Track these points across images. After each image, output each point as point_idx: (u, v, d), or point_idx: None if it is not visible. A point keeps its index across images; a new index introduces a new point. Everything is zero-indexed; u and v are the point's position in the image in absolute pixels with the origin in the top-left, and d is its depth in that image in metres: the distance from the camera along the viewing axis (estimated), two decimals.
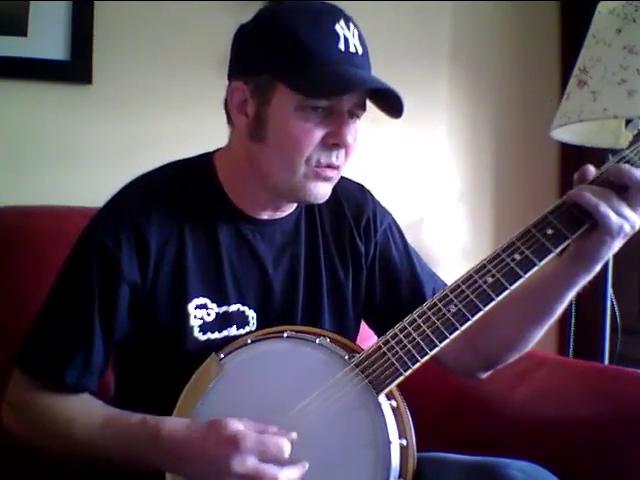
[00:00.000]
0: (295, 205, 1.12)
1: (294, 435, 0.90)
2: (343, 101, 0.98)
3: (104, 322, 1.00)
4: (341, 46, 0.97)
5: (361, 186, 1.22)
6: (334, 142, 0.99)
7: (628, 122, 1.65)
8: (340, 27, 0.97)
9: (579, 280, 1.02)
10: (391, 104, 1.00)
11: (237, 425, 0.89)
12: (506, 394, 1.33)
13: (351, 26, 0.99)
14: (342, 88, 0.96)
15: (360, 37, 1.00)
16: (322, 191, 1.03)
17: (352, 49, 0.98)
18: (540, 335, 1.10)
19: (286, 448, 0.88)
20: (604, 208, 0.93)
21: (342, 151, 1.01)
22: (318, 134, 0.98)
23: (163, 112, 1.76)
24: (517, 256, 0.96)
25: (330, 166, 1.01)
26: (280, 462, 0.88)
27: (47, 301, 1.03)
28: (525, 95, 2.23)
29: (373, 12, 1.93)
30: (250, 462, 0.86)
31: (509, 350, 1.13)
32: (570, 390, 1.27)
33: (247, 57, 1.02)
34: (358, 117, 1.03)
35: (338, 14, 0.99)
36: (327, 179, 1.02)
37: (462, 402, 1.40)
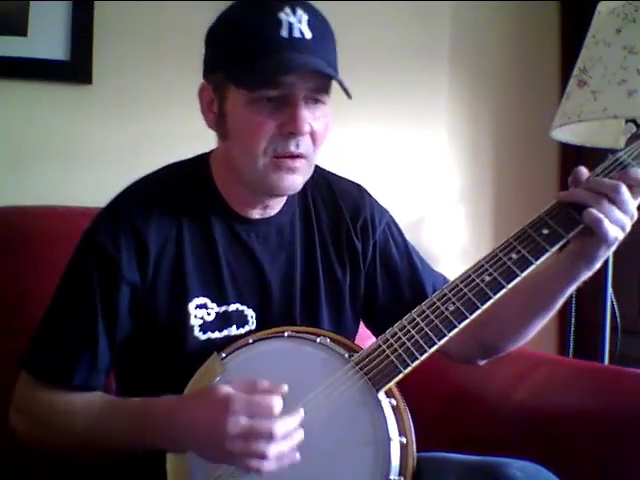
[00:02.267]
0: (282, 202, 1.11)
1: (285, 388, 0.89)
2: (295, 88, 0.97)
3: (107, 322, 1.02)
4: (284, 32, 0.96)
5: (358, 185, 1.22)
6: (289, 130, 0.98)
7: (628, 122, 1.65)
8: (284, 14, 0.96)
9: (580, 276, 1.03)
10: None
11: (226, 388, 0.89)
12: (506, 394, 1.33)
13: (298, 11, 0.97)
14: (278, 73, 0.95)
15: (311, 22, 0.98)
16: (287, 182, 1.01)
17: (296, 34, 0.96)
18: (541, 326, 1.12)
19: (277, 403, 0.87)
20: (597, 215, 0.95)
21: (303, 139, 0.99)
22: (271, 124, 0.98)
23: (163, 112, 1.76)
24: (514, 255, 0.98)
25: (291, 155, 1.00)
26: (273, 416, 0.87)
27: (51, 303, 1.05)
28: (525, 95, 2.23)
29: (373, 12, 1.93)
30: (243, 421, 0.86)
31: (510, 340, 1.15)
32: (570, 390, 1.27)
33: (207, 56, 1.04)
34: (323, 102, 1.01)
35: (284, 1, 0.97)
36: (291, 170, 1.01)
37: (462, 401, 1.40)
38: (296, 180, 1.03)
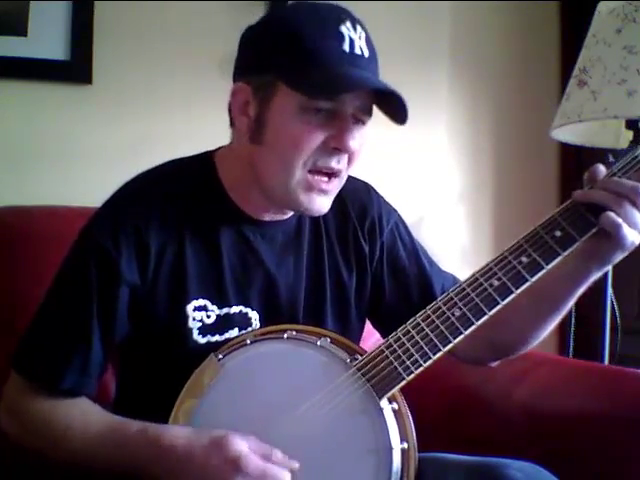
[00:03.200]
0: None
1: (296, 465, 0.90)
2: (346, 104, 0.96)
3: (103, 324, 0.99)
4: (345, 47, 0.95)
5: (366, 184, 1.20)
6: (335, 146, 0.97)
7: (628, 122, 1.65)
8: (346, 28, 0.96)
9: (591, 278, 1.02)
10: (395, 109, 0.98)
11: (241, 446, 0.88)
12: (506, 394, 1.32)
13: (358, 28, 0.97)
14: (342, 87, 0.94)
15: (367, 40, 0.98)
16: (316, 205, 1.00)
17: (357, 51, 0.96)
18: (550, 328, 1.10)
19: (286, 478, 0.88)
20: (625, 229, 0.92)
21: (344, 156, 0.99)
22: (319, 136, 0.96)
23: (163, 112, 1.76)
24: (524, 259, 0.95)
25: (328, 171, 0.98)
26: None
27: (44, 302, 1.02)
28: (525, 95, 2.23)
29: (373, 12, 1.92)
30: None
31: (522, 342, 1.14)
32: (570, 390, 1.26)
33: (251, 58, 1.01)
34: (364, 123, 1.00)
35: (345, 15, 0.97)
36: (322, 191, 0.99)
37: (462, 402, 1.40)
38: (325, 203, 1.01)
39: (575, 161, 2.15)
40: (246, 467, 0.86)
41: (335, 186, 1.01)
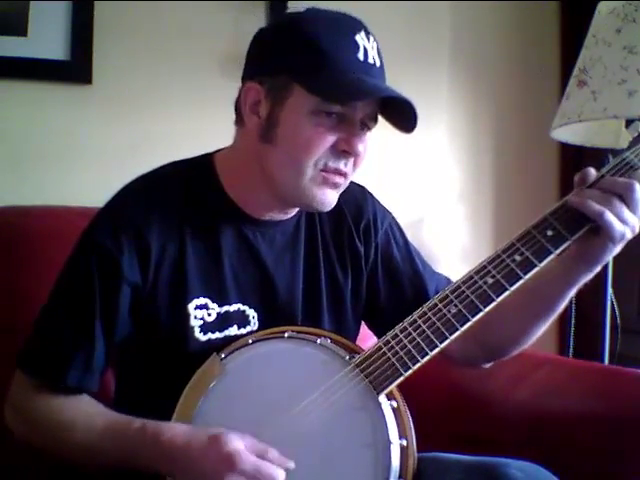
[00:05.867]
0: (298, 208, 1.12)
1: (292, 465, 0.91)
2: (357, 110, 0.99)
3: (105, 323, 1.01)
4: (360, 56, 0.98)
5: (361, 187, 1.22)
6: (344, 149, 0.99)
7: (628, 122, 1.65)
8: (360, 38, 0.99)
9: (580, 279, 1.04)
10: (404, 117, 1.00)
11: (237, 444, 0.89)
12: (506, 394, 1.33)
13: (371, 39, 1.01)
14: (359, 94, 0.97)
15: (379, 51, 1.02)
16: (328, 198, 1.03)
17: (371, 60, 0.99)
18: (544, 329, 1.12)
19: (280, 477, 0.89)
20: (608, 216, 0.95)
21: (351, 159, 1.02)
22: (330, 138, 0.99)
23: (163, 112, 1.76)
24: (517, 257, 0.97)
25: (338, 172, 1.01)
26: None
27: (48, 302, 1.04)
28: (525, 95, 2.23)
29: (373, 12, 1.92)
30: None
31: (513, 343, 1.15)
32: (570, 390, 1.27)
33: (265, 58, 1.03)
34: (369, 129, 1.03)
35: (359, 25, 1.00)
36: (334, 185, 1.02)
37: (462, 402, 1.40)
38: (335, 197, 1.04)
39: (575, 161, 2.15)
40: (241, 464, 0.87)
41: (344, 184, 1.04)
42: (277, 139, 1.01)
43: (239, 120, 1.06)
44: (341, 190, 1.05)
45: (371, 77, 0.99)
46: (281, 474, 0.89)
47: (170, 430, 0.93)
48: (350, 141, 0.99)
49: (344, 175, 1.02)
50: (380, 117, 1.03)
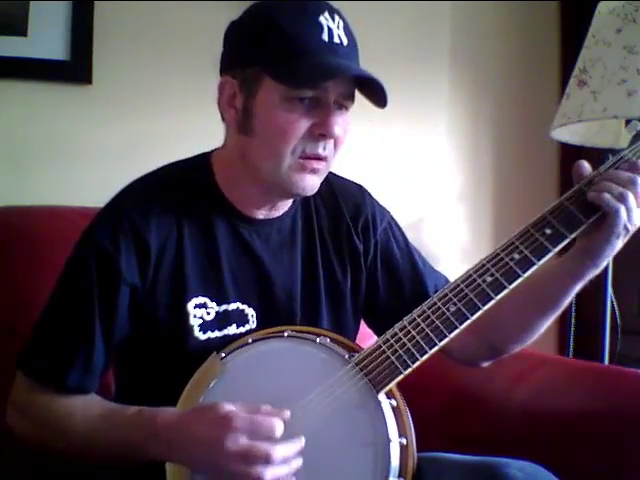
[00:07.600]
0: (289, 204, 1.12)
1: (287, 414, 0.90)
2: (328, 91, 0.99)
3: (104, 323, 1.01)
4: (324, 36, 0.98)
5: (359, 186, 1.22)
6: (320, 132, 1.00)
7: (628, 122, 1.65)
8: (324, 18, 0.99)
9: (586, 275, 1.03)
10: (376, 94, 1.00)
11: (228, 406, 0.89)
12: (506, 394, 1.33)
13: (336, 17, 1.00)
14: (323, 76, 0.97)
15: (346, 28, 1.01)
16: (309, 183, 1.03)
17: (336, 40, 0.99)
18: (546, 326, 1.12)
19: (278, 426, 0.88)
20: (623, 212, 0.96)
21: (330, 142, 1.02)
22: (304, 124, 0.99)
23: (163, 112, 1.76)
24: (516, 256, 0.98)
25: (317, 157, 1.01)
26: (273, 439, 0.87)
27: (48, 303, 1.04)
28: (525, 95, 2.23)
29: (373, 12, 1.93)
30: (242, 440, 0.86)
31: (514, 341, 1.15)
32: (570, 390, 1.27)
33: (235, 51, 1.04)
34: (347, 108, 1.03)
35: (323, 6, 1.00)
36: (313, 171, 1.02)
37: (462, 402, 1.40)
38: (316, 181, 1.04)
39: (575, 161, 2.15)
40: (237, 422, 0.87)
41: (324, 168, 1.04)
42: (254, 130, 1.02)
43: (222, 116, 1.07)
44: (323, 175, 1.05)
45: (337, 57, 0.98)
46: (279, 424, 0.88)
47: (165, 411, 0.94)
48: (325, 124, 0.99)
49: (324, 159, 1.02)
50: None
